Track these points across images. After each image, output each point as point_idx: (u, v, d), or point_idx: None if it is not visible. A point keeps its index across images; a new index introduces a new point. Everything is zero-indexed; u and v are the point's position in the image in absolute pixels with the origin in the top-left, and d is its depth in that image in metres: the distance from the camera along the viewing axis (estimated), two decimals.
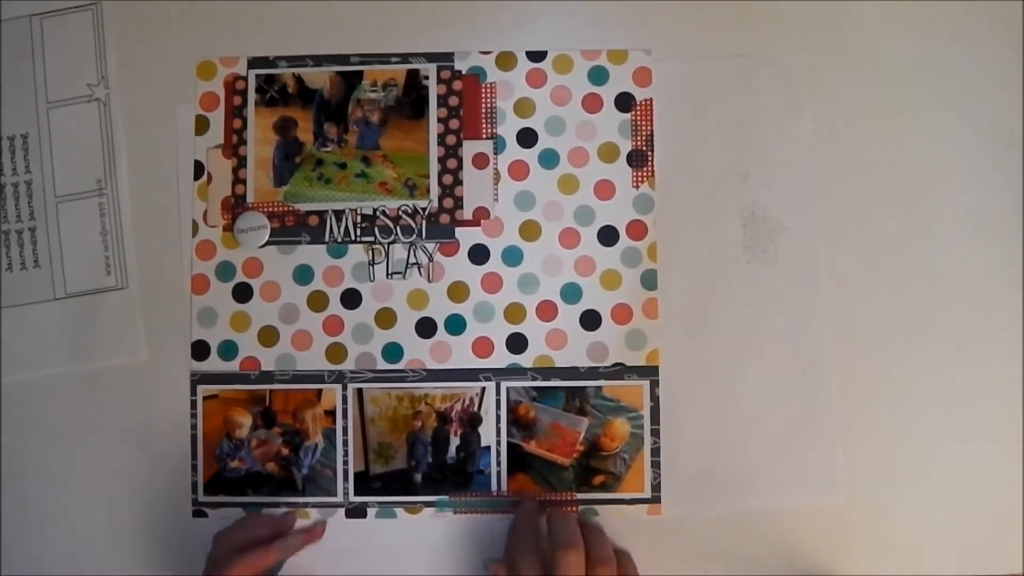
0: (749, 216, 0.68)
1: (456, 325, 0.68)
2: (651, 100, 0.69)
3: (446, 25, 0.70)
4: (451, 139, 0.69)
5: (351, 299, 0.68)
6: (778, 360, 0.68)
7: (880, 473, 0.67)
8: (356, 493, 0.67)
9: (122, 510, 0.68)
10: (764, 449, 0.67)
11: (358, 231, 0.69)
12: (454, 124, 0.69)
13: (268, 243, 0.69)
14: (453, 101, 0.69)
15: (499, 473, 0.67)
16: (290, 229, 0.69)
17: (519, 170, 0.69)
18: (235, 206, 0.69)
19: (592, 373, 0.67)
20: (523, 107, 0.69)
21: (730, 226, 0.69)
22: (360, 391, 0.68)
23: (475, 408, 0.68)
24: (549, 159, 0.69)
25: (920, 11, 0.70)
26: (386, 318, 0.68)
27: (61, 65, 0.71)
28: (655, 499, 0.67)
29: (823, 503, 0.67)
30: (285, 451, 0.68)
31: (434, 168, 0.69)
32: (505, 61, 0.70)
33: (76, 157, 0.70)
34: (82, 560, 0.68)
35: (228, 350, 0.68)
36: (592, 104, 0.69)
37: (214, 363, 0.68)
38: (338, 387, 0.68)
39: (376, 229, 0.69)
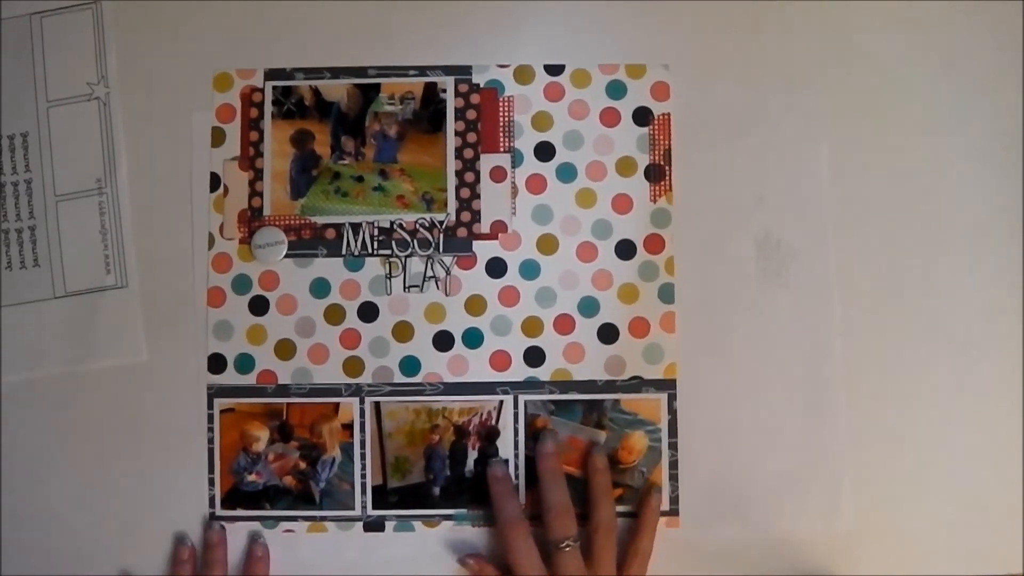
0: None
1: (473, 338, 0.68)
2: (669, 115, 0.69)
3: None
4: (468, 152, 0.69)
5: (368, 312, 0.68)
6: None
7: (887, 485, 0.68)
8: (374, 507, 0.68)
9: (123, 511, 0.68)
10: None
11: (375, 244, 0.68)
12: (471, 138, 0.69)
13: (285, 257, 0.68)
14: (471, 114, 0.69)
15: (517, 486, 0.67)
16: (307, 242, 0.68)
17: (537, 184, 0.69)
18: (251, 219, 0.69)
19: (610, 386, 0.68)
20: (541, 121, 0.69)
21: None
22: (377, 405, 0.68)
23: (493, 422, 0.68)
24: (567, 173, 0.69)
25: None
26: (403, 331, 0.68)
27: (61, 64, 0.70)
28: (673, 512, 0.67)
29: (829, 504, 0.68)
30: (302, 465, 0.68)
31: (451, 181, 0.69)
32: (523, 75, 0.69)
33: (76, 156, 0.70)
34: (82, 561, 0.68)
35: (244, 363, 0.68)
36: (610, 118, 0.69)
37: (230, 376, 0.68)
38: (355, 401, 0.68)
39: (393, 242, 0.68)
